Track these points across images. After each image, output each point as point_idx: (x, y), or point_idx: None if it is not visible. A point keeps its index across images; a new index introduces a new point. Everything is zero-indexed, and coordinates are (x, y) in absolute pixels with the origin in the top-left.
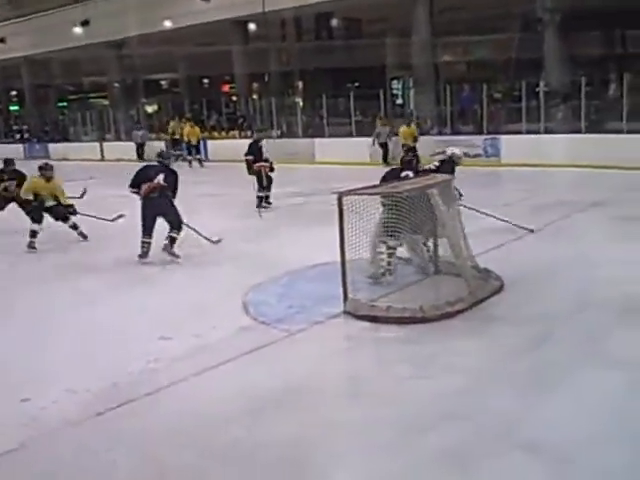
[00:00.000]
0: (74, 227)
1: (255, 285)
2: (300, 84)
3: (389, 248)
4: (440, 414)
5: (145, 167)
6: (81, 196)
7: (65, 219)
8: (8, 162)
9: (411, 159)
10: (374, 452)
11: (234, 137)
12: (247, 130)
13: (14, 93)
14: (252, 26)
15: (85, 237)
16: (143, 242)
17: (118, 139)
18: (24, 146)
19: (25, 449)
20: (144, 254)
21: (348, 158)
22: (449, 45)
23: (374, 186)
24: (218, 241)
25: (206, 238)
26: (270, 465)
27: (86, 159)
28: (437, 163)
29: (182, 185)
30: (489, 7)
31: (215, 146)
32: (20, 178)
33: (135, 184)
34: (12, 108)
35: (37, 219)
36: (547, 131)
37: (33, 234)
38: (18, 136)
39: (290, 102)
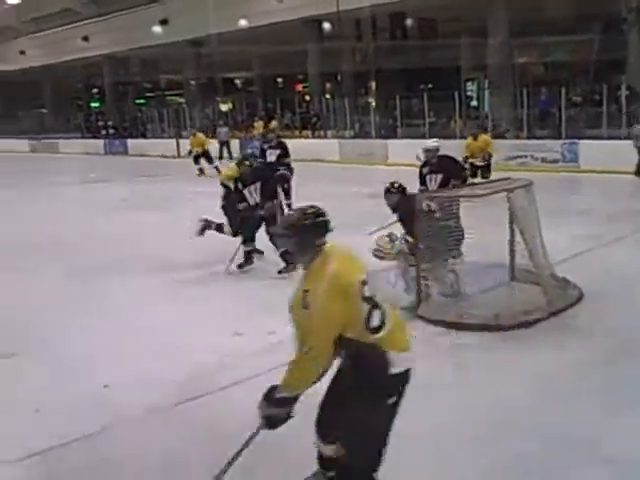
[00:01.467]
0: None
1: None
2: (373, 84)
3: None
4: (515, 424)
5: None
6: None
7: None
8: None
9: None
10: (447, 463)
11: (307, 136)
12: (320, 130)
13: (95, 90)
14: (326, 25)
15: None
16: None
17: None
18: (104, 142)
19: (105, 433)
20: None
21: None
22: (526, 46)
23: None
24: None
25: None
26: None
27: (163, 155)
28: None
29: None
30: (569, 7)
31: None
32: None
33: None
34: (93, 105)
35: None
36: (629, 136)
37: None
38: (104, 132)
39: (363, 102)
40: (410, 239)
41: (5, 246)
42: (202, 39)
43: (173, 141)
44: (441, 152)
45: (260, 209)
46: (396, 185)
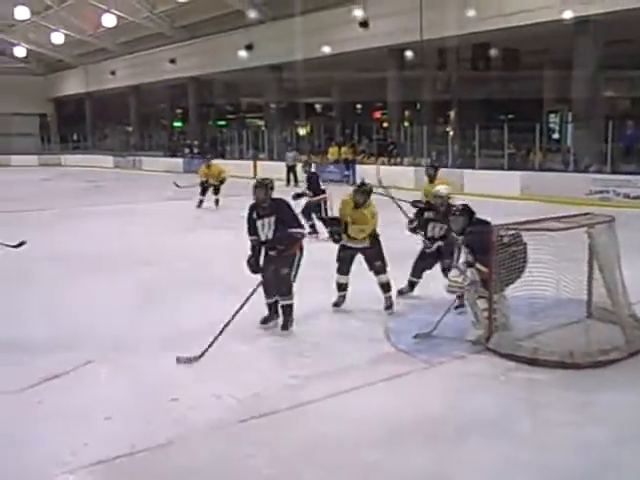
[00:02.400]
0: None
1: (397, 312)
2: (453, 113)
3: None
4: (588, 465)
5: None
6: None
7: None
8: None
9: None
10: None
11: (383, 163)
12: (397, 157)
13: (179, 110)
14: (408, 53)
15: None
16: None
17: (271, 159)
18: (184, 160)
19: (172, 445)
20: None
21: (498, 191)
22: (612, 79)
23: (528, 222)
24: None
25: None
26: None
27: (240, 176)
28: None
29: None
30: None
31: (364, 170)
32: None
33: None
34: (176, 124)
35: None
36: None
37: None
38: (187, 151)
39: (441, 131)
40: (483, 268)
41: (82, 257)
42: (284, 64)
43: (250, 163)
44: None
45: None
46: (462, 208)
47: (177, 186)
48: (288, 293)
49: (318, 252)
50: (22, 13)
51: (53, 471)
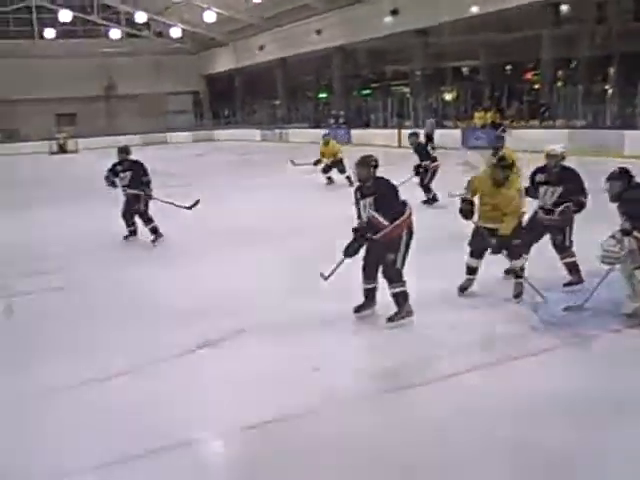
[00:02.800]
0: None
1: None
2: (612, 70)
3: None
4: None
5: None
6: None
7: None
8: (123, 151)
9: None
10: None
11: (533, 127)
12: (549, 119)
13: (324, 82)
14: (564, 7)
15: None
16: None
17: (416, 126)
18: (329, 132)
19: (313, 414)
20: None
21: None
22: None
23: None
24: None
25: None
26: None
27: (385, 145)
28: None
29: None
30: None
31: (515, 135)
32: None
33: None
34: (321, 95)
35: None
36: None
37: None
38: (332, 121)
39: (598, 90)
40: None
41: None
42: (429, 28)
43: (395, 131)
44: None
45: None
46: (618, 171)
47: (293, 164)
48: (398, 280)
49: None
50: None
51: (207, 432)
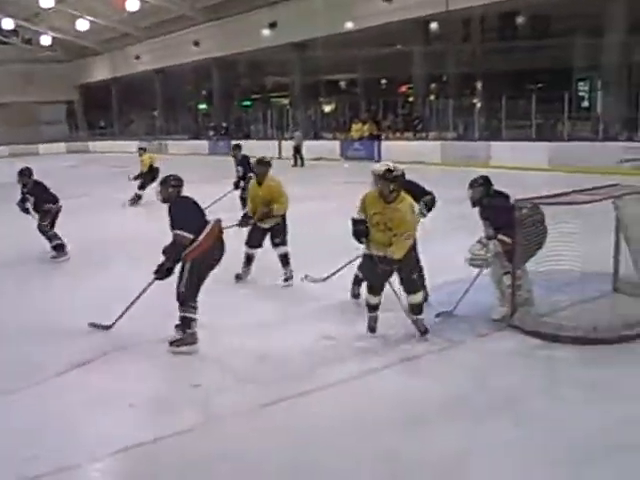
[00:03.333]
0: None
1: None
2: (479, 85)
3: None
4: (613, 445)
5: None
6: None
7: None
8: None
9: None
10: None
11: (407, 139)
12: (422, 132)
13: (203, 92)
14: (433, 26)
15: None
16: None
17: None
18: (209, 143)
19: (193, 432)
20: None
21: (526, 163)
22: None
23: (553, 196)
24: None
25: None
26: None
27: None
28: None
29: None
30: None
31: (389, 146)
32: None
33: None
34: (200, 107)
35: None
36: None
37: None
38: (212, 133)
39: (468, 103)
40: (506, 239)
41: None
42: (307, 42)
43: (276, 142)
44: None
45: None
46: (479, 179)
47: (130, 179)
48: (186, 304)
49: None
50: (47, 1)
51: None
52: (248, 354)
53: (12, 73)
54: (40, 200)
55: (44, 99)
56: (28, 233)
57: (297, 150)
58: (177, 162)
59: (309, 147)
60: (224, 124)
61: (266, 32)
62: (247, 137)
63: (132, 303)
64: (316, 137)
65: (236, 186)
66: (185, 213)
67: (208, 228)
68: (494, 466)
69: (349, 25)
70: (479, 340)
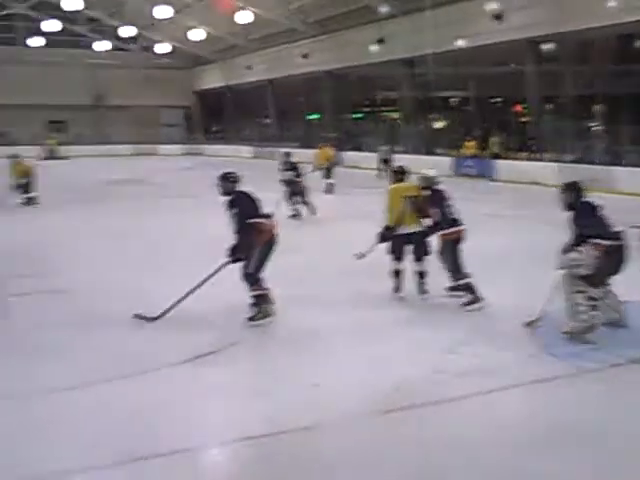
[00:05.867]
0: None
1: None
2: (598, 108)
3: (590, 299)
4: None
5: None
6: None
7: None
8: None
9: None
10: None
11: (522, 159)
12: (537, 152)
13: (314, 103)
14: (547, 46)
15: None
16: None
17: (405, 152)
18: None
19: (311, 431)
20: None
21: None
22: None
23: None
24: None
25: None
26: None
27: (373, 168)
28: None
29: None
30: None
31: (503, 166)
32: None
33: None
34: (312, 117)
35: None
36: None
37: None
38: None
39: (585, 126)
40: (602, 242)
41: None
42: (415, 58)
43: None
44: None
45: None
46: (572, 184)
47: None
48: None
49: None
50: (163, 12)
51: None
52: (367, 360)
53: (135, 78)
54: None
55: (163, 103)
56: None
57: (385, 162)
58: None
59: (421, 162)
60: (334, 135)
61: (374, 48)
62: (358, 149)
63: (187, 295)
64: (427, 153)
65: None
66: (250, 203)
67: (272, 218)
68: None
69: (459, 43)
70: (611, 370)
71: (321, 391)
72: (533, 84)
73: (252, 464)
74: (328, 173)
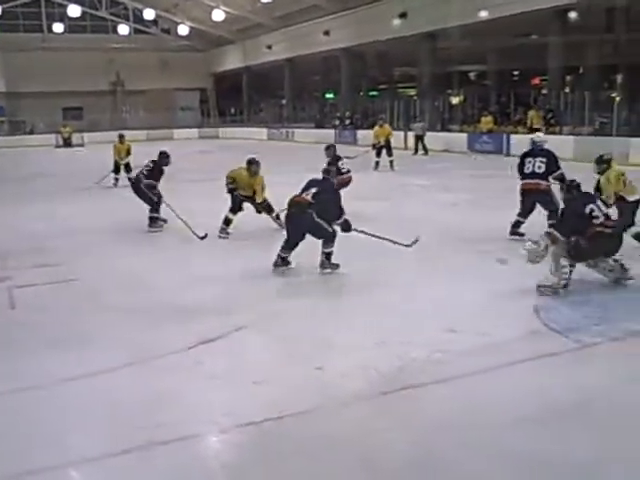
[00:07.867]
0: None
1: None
2: (619, 78)
3: (572, 265)
4: None
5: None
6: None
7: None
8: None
9: None
10: None
11: (539, 131)
12: (555, 126)
13: (331, 82)
14: (572, 15)
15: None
16: (278, 254)
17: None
18: (335, 132)
19: (312, 414)
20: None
21: None
22: None
23: None
24: (204, 237)
25: (193, 232)
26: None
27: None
28: None
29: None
30: None
31: (519, 141)
32: None
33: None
34: (327, 96)
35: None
36: None
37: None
38: (337, 122)
39: (605, 97)
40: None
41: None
42: (438, 32)
43: (401, 133)
44: None
45: None
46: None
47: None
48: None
49: None
50: None
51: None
52: (370, 341)
53: (151, 61)
54: None
55: (179, 86)
56: None
57: (420, 139)
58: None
59: (435, 139)
60: (347, 113)
61: (396, 22)
62: (373, 127)
63: None
64: (443, 129)
65: None
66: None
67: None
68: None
69: (483, 14)
70: (613, 344)
71: (324, 375)
72: (557, 55)
73: (256, 448)
74: (389, 151)
